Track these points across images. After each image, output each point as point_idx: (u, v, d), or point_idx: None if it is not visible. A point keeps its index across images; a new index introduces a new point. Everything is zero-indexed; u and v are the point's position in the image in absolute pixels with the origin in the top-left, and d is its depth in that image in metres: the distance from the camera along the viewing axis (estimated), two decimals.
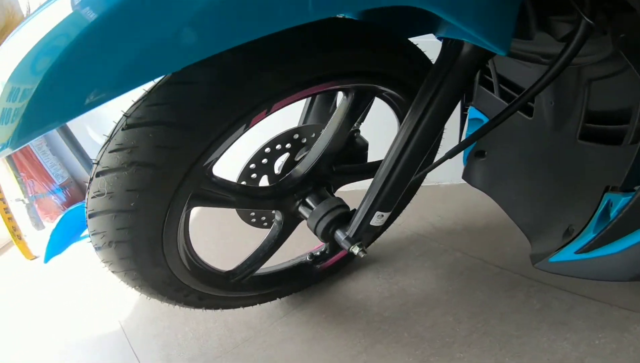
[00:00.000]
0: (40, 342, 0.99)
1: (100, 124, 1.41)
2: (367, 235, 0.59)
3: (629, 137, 0.46)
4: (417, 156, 0.50)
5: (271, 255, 0.73)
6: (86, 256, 1.27)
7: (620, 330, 0.63)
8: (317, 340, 0.78)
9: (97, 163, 0.44)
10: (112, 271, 0.54)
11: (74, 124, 1.33)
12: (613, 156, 0.49)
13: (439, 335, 0.72)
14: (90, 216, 0.48)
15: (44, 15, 0.33)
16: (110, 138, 0.43)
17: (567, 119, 0.55)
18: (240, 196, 0.59)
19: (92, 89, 0.28)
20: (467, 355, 0.67)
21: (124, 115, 0.43)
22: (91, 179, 0.46)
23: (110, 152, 0.42)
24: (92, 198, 0.46)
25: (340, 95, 0.63)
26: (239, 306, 0.79)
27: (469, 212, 1.02)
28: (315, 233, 0.63)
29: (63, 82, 0.28)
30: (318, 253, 0.85)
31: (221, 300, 0.73)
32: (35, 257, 1.34)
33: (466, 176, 0.78)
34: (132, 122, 0.41)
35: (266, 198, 0.62)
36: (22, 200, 1.36)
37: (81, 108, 0.28)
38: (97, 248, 0.51)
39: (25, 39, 0.32)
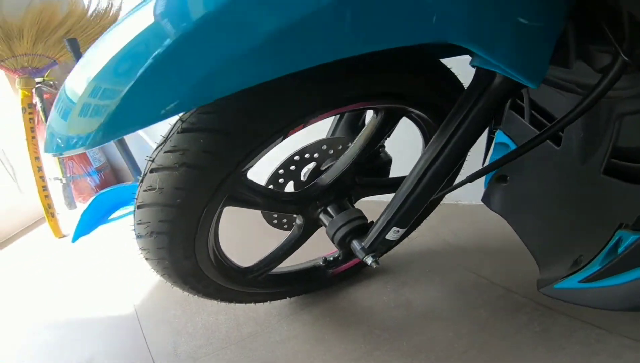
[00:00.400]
0: (55, 317, 1.04)
1: None
2: (382, 247, 0.63)
3: None
4: (439, 177, 0.52)
5: (289, 256, 0.78)
6: (111, 239, 1.36)
7: (614, 356, 0.65)
8: (320, 341, 0.81)
9: (152, 161, 0.49)
10: (146, 259, 0.59)
11: None
12: (631, 194, 0.49)
13: (437, 348, 0.75)
14: (139, 207, 0.52)
15: (137, 19, 0.36)
16: (166, 139, 0.48)
17: (594, 153, 0.55)
18: (268, 200, 0.63)
19: (174, 99, 0.32)
20: None
21: (179, 119, 0.47)
22: (145, 175, 0.50)
23: (165, 152, 0.47)
24: (143, 191, 0.51)
25: (369, 112, 0.66)
26: (250, 302, 0.84)
27: (483, 233, 1.04)
28: (332, 240, 0.67)
29: (148, 90, 0.32)
30: (331, 259, 0.88)
31: (236, 294, 0.77)
32: (64, 236, 1.44)
33: (485, 199, 0.79)
34: (186, 126, 0.46)
35: (291, 203, 0.67)
36: (60, 179, 1.45)
37: (163, 115, 0.32)
38: (139, 237, 0.55)
39: (116, 41, 0.35)
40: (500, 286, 0.87)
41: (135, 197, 0.52)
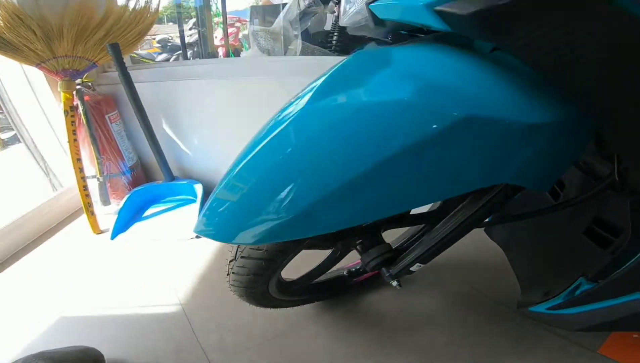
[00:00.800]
0: (108, 313, 1.10)
1: (176, 121, 1.62)
2: (404, 274, 0.80)
3: (612, 248, 0.61)
4: (459, 236, 0.67)
5: (326, 272, 0.95)
6: (147, 237, 1.46)
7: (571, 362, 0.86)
8: (341, 339, 0.96)
9: None
10: (234, 285, 0.76)
11: (153, 117, 1.51)
12: (596, 255, 0.64)
13: (434, 347, 0.93)
14: (244, 257, 0.68)
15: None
16: None
17: (581, 215, 0.69)
18: (323, 241, 0.78)
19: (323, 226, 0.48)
20: None
21: None
22: None
23: None
24: (250, 248, 0.66)
25: None
26: (288, 307, 1.00)
27: (482, 252, 1.19)
28: (366, 266, 0.82)
29: (302, 220, 0.47)
30: (354, 270, 1.05)
31: (281, 301, 0.93)
32: (102, 232, 1.53)
33: (488, 231, 0.94)
34: None
35: (338, 239, 0.82)
36: (97, 178, 1.52)
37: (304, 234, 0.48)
38: (237, 274, 0.71)
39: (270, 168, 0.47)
40: (490, 299, 1.05)
41: (240, 249, 0.67)
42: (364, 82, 0.48)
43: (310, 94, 0.49)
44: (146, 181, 1.69)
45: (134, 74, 1.46)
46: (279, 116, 0.51)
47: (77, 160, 1.47)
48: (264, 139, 0.50)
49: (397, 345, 0.95)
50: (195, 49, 2.73)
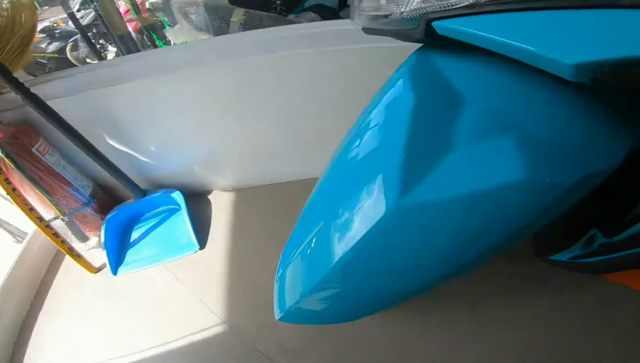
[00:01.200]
0: (155, 354, 1.08)
1: (121, 131, 1.37)
2: None
3: (626, 205, 0.70)
4: None
5: None
6: (150, 263, 1.37)
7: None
8: (386, 316, 1.04)
9: None
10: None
11: (90, 134, 1.26)
12: (610, 211, 0.73)
13: (456, 299, 1.04)
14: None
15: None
16: None
17: None
18: None
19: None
20: (470, 312, 1.03)
21: None
22: None
23: None
24: None
25: None
26: None
27: None
28: None
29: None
30: None
31: None
32: (98, 270, 1.42)
33: None
34: None
35: None
36: (61, 219, 1.35)
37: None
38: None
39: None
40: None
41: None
42: (453, 151, 0.42)
43: (392, 185, 0.43)
44: (114, 203, 1.52)
45: (40, 90, 1.15)
46: (350, 194, 0.50)
47: (29, 210, 1.26)
48: (352, 247, 0.49)
49: (433, 305, 1.06)
50: (95, 31, 2.14)
